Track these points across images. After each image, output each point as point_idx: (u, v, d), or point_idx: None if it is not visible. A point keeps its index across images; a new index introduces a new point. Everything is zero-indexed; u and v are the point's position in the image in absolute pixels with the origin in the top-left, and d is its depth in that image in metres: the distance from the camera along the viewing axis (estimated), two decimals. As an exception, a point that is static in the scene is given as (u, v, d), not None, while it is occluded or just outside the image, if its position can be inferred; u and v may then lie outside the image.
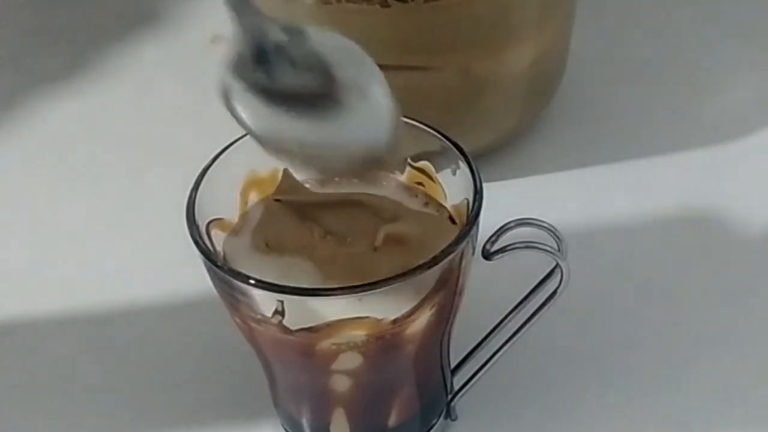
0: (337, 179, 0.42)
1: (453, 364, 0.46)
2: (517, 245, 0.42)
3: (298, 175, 0.43)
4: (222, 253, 0.43)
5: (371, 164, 0.39)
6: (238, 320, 0.42)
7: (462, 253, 0.41)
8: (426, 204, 0.45)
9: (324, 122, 0.37)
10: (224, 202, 0.44)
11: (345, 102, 0.37)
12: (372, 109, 0.38)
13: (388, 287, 0.39)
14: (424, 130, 0.44)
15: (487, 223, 0.42)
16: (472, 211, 0.41)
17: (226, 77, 0.37)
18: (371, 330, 0.40)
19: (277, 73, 0.37)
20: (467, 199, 0.42)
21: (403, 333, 0.41)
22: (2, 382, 0.50)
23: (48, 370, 0.51)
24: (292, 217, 0.43)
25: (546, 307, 0.44)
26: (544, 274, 0.45)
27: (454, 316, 0.43)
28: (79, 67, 0.66)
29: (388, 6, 0.50)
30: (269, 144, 0.38)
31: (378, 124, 0.38)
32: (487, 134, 0.57)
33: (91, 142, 0.62)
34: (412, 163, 0.45)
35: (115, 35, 0.68)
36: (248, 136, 0.44)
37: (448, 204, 0.44)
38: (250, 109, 0.37)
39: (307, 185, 0.45)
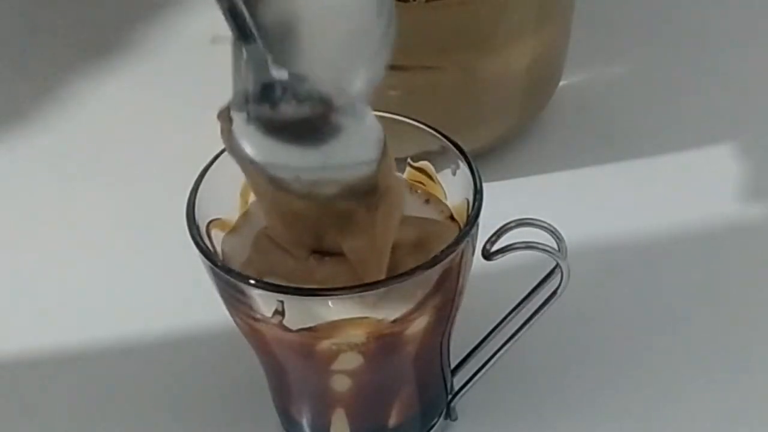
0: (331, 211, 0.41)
1: (453, 364, 0.46)
2: (517, 245, 0.42)
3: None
4: (222, 253, 0.43)
5: (366, 185, 0.39)
6: (238, 320, 0.42)
7: (462, 253, 0.41)
8: (426, 201, 0.45)
9: (322, 146, 0.38)
10: (224, 202, 0.44)
11: (340, 126, 0.38)
12: (366, 130, 0.39)
13: (388, 287, 0.39)
14: (424, 130, 0.44)
15: (487, 223, 0.42)
16: (472, 211, 0.41)
17: (229, 114, 0.39)
18: (371, 330, 0.40)
19: (280, 105, 0.38)
20: (467, 199, 0.42)
21: (403, 333, 0.41)
22: None
23: (48, 369, 0.51)
24: (277, 247, 0.42)
25: (546, 307, 0.44)
26: (544, 274, 0.45)
27: (454, 316, 0.43)
28: (79, 67, 0.66)
29: (389, 6, 0.50)
30: (270, 174, 0.39)
31: (372, 144, 0.39)
32: (487, 134, 0.57)
33: (91, 142, 0.62)
34: (412, 163, 0.45)
35: (114, 35, 0.68)
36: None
37: (449, 204, 0.44)
38: (252, 141, 0.38)
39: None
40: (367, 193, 0.40)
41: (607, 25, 0.67)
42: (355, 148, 0.39)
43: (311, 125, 0.38)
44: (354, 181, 0.39)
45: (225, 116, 0.39)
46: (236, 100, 0.38)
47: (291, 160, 0.38)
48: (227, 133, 0.39)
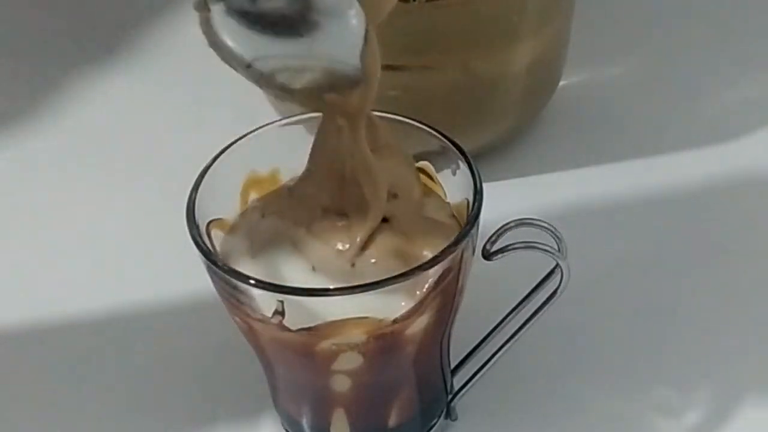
0: (312, 105, 0.42)
1: (453, 364, 0.46)
2: (517, 245, 0.42)
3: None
4: (222, 253, 0.43)
5: (345, 82, 0.40)
6: (238, 320, 0.42)
7: (462, 253, 0.41)
8: (429, 197, 0.45)
9: (300, 41, 0.39)
10: (224, 202, 0.44)
11: (320, 23, 0.39)
12: (345, 28, 0.39)
13: (388, 287, 0.39)
14: (424, 130, 0.44)
15: (487, 223, 0.42)
16: (472, 211, 0.41)
17: (206, 3, 0.39)
18: (371, 330, 0.40)
19: None
20: (467, 199, 0.42)
21: (403, 333, 0.41)
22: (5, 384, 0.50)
23: (48, 371, 0.51)
24: (291, 197, 0.43)
25: (546, 307, 0.44)
26: (544, 274, 0.45)
27: (454, 316, 0.43)
28: (79, 67, 0.66)
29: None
30: (250, 68, 0.39)
31: (351, 41, 0.39)
32: (487, 134, 0.57)
33: (91, 142, 0.62)
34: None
35: (114, 35, 0.68)
36: (248, 136, 0.44)
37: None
38: (231, 32, 0.39)
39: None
40: (352, 85, 0.40)
41: (607, 25, 0.67)
42: (335, 44, 0.39)
43: (290, 20, 0.38)
44: (337, 74, 0.39)
45: (202, 5, 0.39)
46: None
47: (272, 52, 0.39)
48: (206, 24, 0.39)
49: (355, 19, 0.39)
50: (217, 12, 0.38)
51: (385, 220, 0.42)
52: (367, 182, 0.42)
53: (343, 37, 0.39)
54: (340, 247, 0.41)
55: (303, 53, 0.39)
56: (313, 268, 0.41)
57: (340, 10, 0.39)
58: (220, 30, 0.39)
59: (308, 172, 0.43)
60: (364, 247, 0.41)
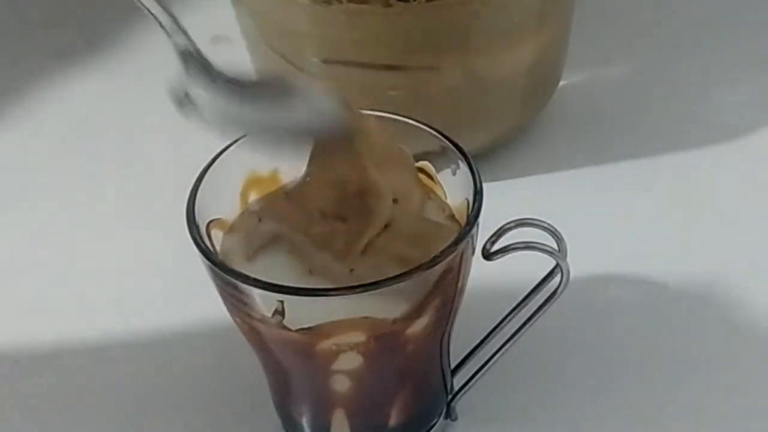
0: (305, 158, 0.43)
1: (453, 364, 0.46)
2: (517, 245, 0.42)
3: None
4: (221, 253, 0.43)
5: (337, 134, 0.41)
6: (238, 320, 0.42)
7: (462, 253, 0.41)
8: (429, 197, 0.45)
9: (284, 101, 0.40)
10: (224, 202, 0.44)
11: (296, 101, 0.41)
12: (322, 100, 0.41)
13: (388, 287, 0.39)
14: (424, 130, 0.44)
15: (487, 223, 0.42)
16: (472, 211, 0.41)
17: (186, 96, 0.40)
18: (371, 330, 0.40)
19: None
20: (467, 199, 0.42)
21: (403, 333, 0.41)
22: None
23: (49, 366, 0.51)
24: (290, 201, 0.43)
25: (546, 307, 0.44)
26: (544, 274, 0.45)
27: (454, 316, 0.43)
28: (79, 66, 0.66)
29: (390, 6, 0.50)
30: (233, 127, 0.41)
31: (330, 107, 0.41)
32: (487, 134, 0.57)
33: (91, 142, 0.62)
34: (412, 163, 0.45)
35: (114, 34, 0.68)
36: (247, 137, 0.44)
37: (448, 204, 0.44)
38: (216, 110, 0.40)
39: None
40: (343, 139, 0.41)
41: (607, 25, 0.67)
42: (314, 114, 0.40)
43: (269, 99, 0.40)
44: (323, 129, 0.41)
45: (184, 101, 0.40)
46: (191, 77, 0.40)
47: (258, 118, 0.40)
48: (195, 115, 0.40)
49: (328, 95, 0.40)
50: (200, 96, 0.40)
51: (384, 225, 0.42)
52: (371, 195, 0.42)
53: (320, 107, 0.40)
54: (338, 252, 0.41)
55: (287, 112, 0.40)
56: (311, 273, 0.41)
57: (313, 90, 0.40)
58: (205, 113, 0.40)
59: (307, 177, 0.43)
60: (363, 252, 0.41)
